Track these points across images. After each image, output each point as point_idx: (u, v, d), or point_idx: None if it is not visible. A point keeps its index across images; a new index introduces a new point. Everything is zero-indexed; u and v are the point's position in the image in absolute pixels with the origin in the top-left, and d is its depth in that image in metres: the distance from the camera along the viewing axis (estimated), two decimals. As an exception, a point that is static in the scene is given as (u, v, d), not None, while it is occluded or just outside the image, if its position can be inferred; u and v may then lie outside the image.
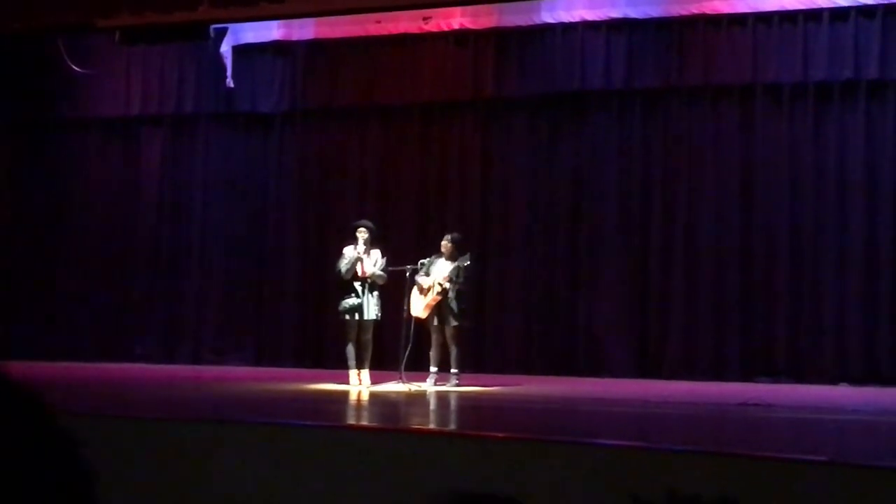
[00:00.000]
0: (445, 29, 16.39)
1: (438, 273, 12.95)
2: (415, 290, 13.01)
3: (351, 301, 12.97)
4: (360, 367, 13.02)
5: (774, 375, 14.59)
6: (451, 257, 13.05)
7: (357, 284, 12.99)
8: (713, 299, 15.12)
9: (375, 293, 13.04)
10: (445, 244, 13.13)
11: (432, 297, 12.87)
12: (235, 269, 17.39)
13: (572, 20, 15.83)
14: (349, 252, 13.08)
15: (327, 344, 16.03)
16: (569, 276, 15.80)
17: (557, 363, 15.47)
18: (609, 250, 15.64)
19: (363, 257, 12.99)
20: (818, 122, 14.96)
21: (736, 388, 13.14)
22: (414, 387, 12.64)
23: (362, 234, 13.06)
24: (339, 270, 13.10)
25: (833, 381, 14.28)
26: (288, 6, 14.01)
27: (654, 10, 15.52)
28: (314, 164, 17.24)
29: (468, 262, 13.05)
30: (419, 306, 12.97)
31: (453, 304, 12.91)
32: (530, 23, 16.02)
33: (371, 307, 13.00)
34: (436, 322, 12.99)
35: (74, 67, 17.26)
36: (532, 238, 15.99)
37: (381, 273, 13.02)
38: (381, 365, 13.70)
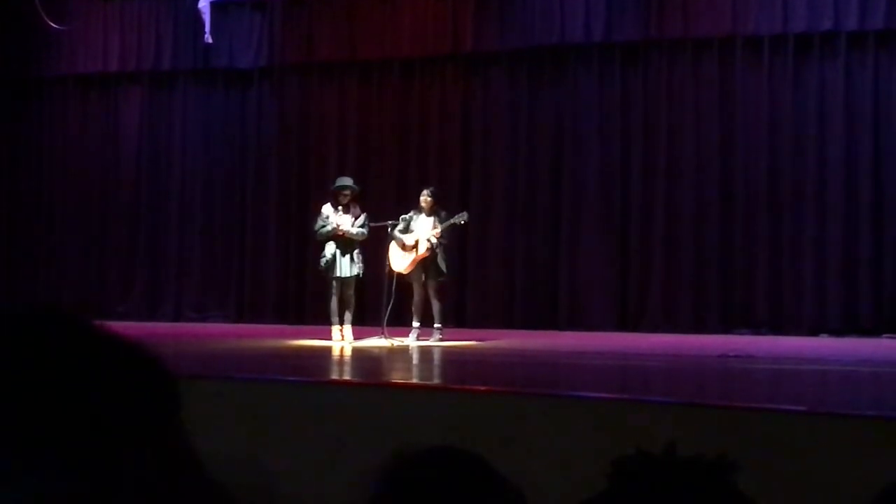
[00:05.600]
0: (425, -17, 16.31)
1: (421, 229, 12.93)
2: (394, 246, 12.99)
3: (327, 256, 12.99)
4: (342, 322, 13.02)
5: (755, 327, 14.66)
6: (431, 212, 13.03)
7: (332, 241, 13.02)
8: (693, 251, 15.17)
9: (356, 251, 13.01)
10: (426, 199, 13.08)
11: (421, 254, 12.87)
12: (216, 226, 17.36)
13: (552, -27, 15.76)
14: (327, 210, 13.09)
15: (309, 300, 16.05)
16: (549, 229, 15.81)
17: (539, 317, 15.52)
18: (590, 203, 15.65)
19: (340, 217, 13.01)
20: (798, 73, 14.95)
21: (716, 340, 13.18)
22: (396, 342, 12.67)
23: (344, 197, 13.08)
24: (316, 231, 13.15)
25: (813, 332, 14.37)
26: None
27: (634, -38, 15.46)
28: (293, 120, 17.17)
29: (465, 221, 13.14)
30: (403, 262, 12.96)
31: (440, 260, 12.92)
32: (510, -24, 15.96)
33: (347, 264, 12.97)
34: (422, 277, 13.00)
35: (51, 24, 17.11)
36: (513, 192, 15.99)
37: (360, 230, 12.98)
38: (364, 321, 13.73)
